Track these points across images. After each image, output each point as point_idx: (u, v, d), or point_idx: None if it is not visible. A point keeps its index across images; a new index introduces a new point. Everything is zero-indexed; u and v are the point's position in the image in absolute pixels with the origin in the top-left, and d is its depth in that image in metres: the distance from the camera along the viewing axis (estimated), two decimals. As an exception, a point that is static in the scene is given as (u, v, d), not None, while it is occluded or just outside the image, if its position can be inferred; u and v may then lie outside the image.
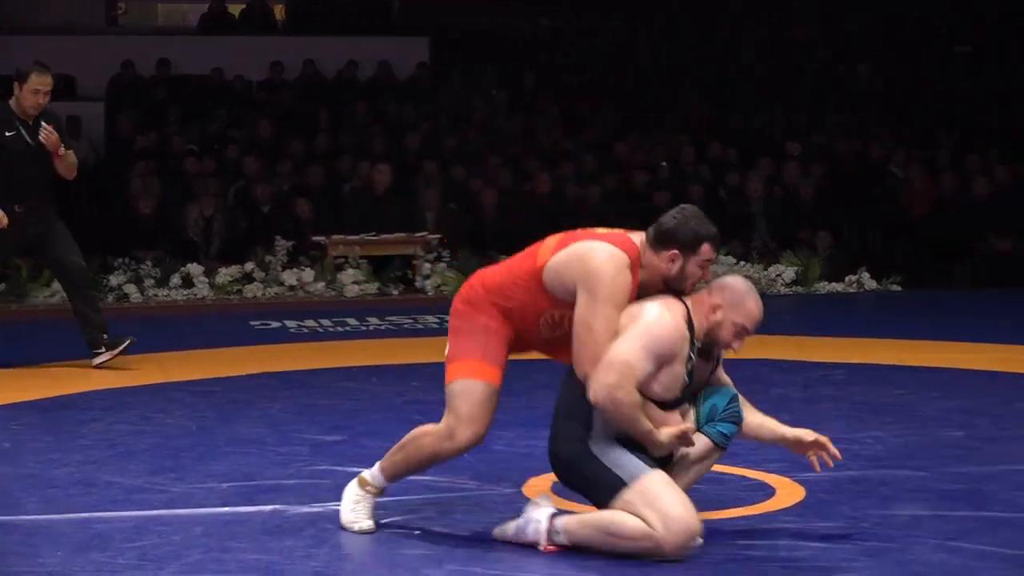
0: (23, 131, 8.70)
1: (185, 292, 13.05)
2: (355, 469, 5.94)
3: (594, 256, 4.80)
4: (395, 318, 11.71)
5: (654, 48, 19.49)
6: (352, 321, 11.51)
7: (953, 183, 15.69)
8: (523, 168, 15.60)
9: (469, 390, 4.97)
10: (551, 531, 4.79)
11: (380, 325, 11.38)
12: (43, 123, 8.67)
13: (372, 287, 13.28)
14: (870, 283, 13.95)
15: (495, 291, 5.00)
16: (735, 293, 4.84)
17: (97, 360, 8.86)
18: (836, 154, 16.82)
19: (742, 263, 13.83)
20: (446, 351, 5.12)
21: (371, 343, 10.43)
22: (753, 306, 4.83)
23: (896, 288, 13.95)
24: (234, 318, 12.00)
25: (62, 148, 8.75)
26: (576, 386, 4.79)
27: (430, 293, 13.16)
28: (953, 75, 18.93)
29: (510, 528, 4.90)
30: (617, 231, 4.94)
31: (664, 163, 16.14)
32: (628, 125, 17.26)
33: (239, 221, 14.38)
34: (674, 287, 4.83)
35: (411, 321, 11.56)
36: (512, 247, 14.99)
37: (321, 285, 13.14)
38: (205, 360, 9.51)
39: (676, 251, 4.79)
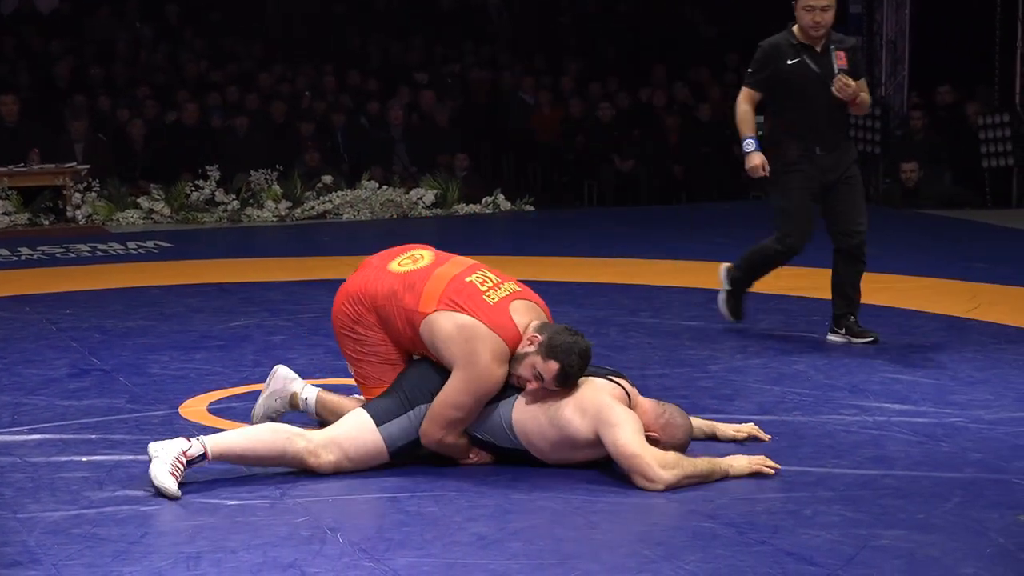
0: (807, 59, 7.14)
1: None
2: (7, 398, 6.17)
3: (480, 347, 4.90)
4: (47, 248, 11.62)
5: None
6: (3, 251, 11.41)
7: (579, 108, 16.62)
8: (170, 99, 15.80)
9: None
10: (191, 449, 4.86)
11: (32, 255, 11.27)
12: (836, 52, 7.15)
13: (23, 218, 13.25)
14: (505, 204, 14.32)
15: (381, 314, 5.13)
16: (673, 422, 5.08)
17: (832, 337, 7.39)
18: (470, 83, 17.58)
19: (384, 188, 14.19)
20: (352, 369, 5.31)
21: (24, 273, 10.35)
22: (686, 430, 5.12)
23: (529, 208, 14.40)
24: None
25: (859, 95, 7.14)
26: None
27: (81, 222, 13.26)
28: (577, 9, 19.87)
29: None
30: (503, 302, 5.02)
31: (307, 93, 16.54)
32: (271, 57, 17.59)
33: None
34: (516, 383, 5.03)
35: (63, 251, 11.48)
36: (160, 176, 15.19)
37: (-29, 218, 12.99)
38: None
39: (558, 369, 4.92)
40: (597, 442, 4.89)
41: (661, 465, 4.78)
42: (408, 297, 5.07)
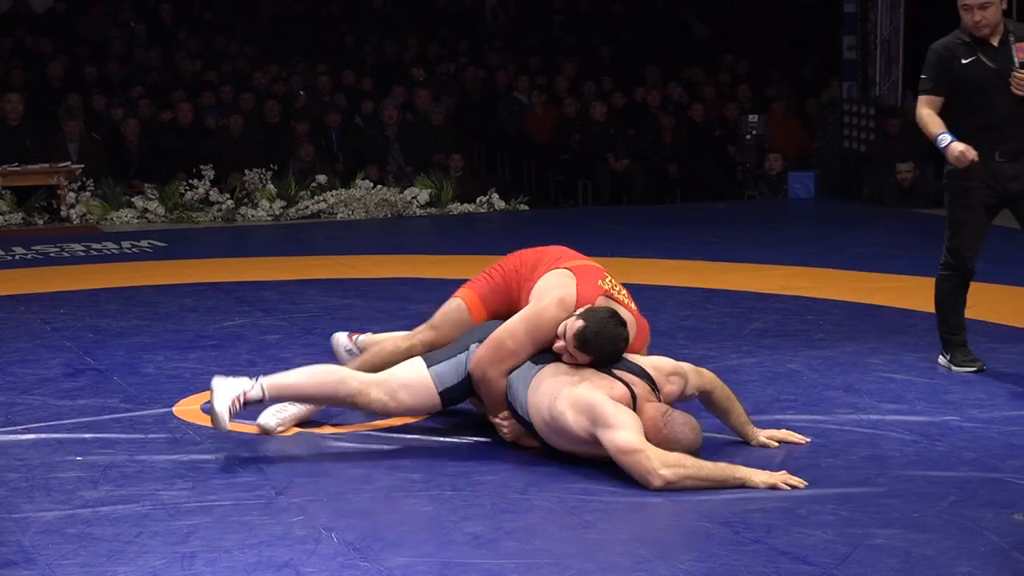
0: (982, 56, 6.44)
1: None
2: (1, 398, 6.17)
3: (554, 292, 5.33)
4: (41, 247, 11.60)
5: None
6: (-3, 251, 11.40)
7: (573, 108, 16.61)
8: (165, 98, 15.80)
9: (454, 311, 5.73)
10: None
11: (26, 255, 11.27)
12: (1015, 44, 6.42)
13: (17, 217, 13.30)
14: (500, 203, 14.33)
15: (524, 255, 5.70)
16: (674, 435, 4.98)
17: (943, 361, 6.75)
18: (464, 82, 17.60)
19: (379, 187, 14.20)
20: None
21: (18, 272, 10.34)
22: (689, 443, 5.03)
23: (524, 208, 14.40)
24: None
25: None
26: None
27: (76, 222, 13.28)
28: (571, 9, 19.88)
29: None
30: (606, 290, 5.40)
31: (301, 92, 16.54)
32: (266, 56, 17.59)
33: None
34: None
35: (57, 250, 11.46)
36: (155, 176, 15.23)
37: (-35, 217, 13.01)
38: None
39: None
40: (591, 440, 4.90)
41: (662, 462, 4.77)
42: (554, 251, 5.66)
